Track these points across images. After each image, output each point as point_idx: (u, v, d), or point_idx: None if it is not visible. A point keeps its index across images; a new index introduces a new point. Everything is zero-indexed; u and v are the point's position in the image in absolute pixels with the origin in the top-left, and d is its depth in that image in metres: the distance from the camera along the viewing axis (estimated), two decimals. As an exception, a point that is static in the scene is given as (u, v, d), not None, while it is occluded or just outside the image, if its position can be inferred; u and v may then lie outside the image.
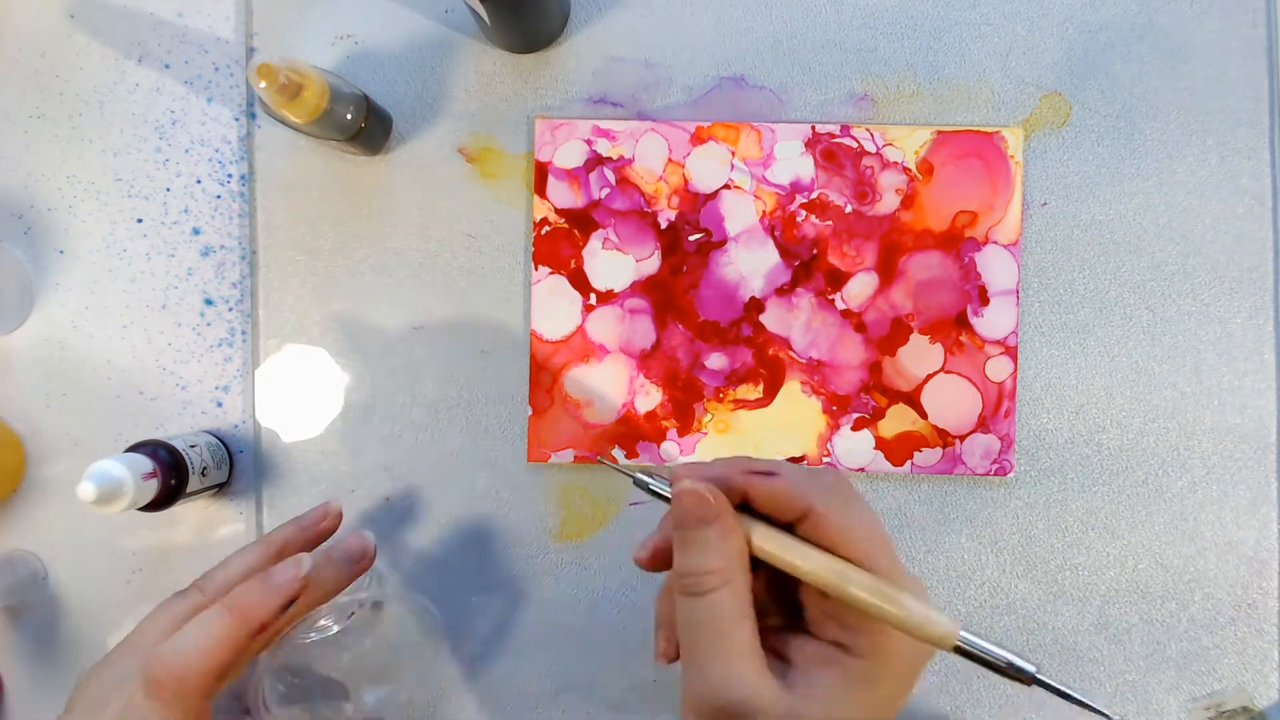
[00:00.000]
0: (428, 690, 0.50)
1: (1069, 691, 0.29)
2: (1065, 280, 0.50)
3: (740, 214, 0.49)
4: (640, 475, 0.35)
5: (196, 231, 0.50)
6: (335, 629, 0.45)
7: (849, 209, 0.49)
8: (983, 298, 0.49)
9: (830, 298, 0.49)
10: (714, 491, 0.32)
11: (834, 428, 0.49)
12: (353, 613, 0.45)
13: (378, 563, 0.49)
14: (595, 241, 0.49)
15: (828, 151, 0.49)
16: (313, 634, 0.44)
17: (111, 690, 0.38)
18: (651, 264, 0.49)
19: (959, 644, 0.30)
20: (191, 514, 0.50)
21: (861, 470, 0.49)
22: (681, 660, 0.33)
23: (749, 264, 0.49)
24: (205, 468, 0.47)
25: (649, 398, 0.49)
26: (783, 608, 0.34)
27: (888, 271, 0.49)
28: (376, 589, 0.47)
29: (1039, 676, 0.29)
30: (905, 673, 0.32)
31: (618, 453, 0.49)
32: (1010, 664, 0.29)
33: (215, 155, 0.50)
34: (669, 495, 0.34)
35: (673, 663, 0.35)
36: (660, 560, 0.35)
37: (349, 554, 0.43)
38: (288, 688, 0.47)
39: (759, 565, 0.33)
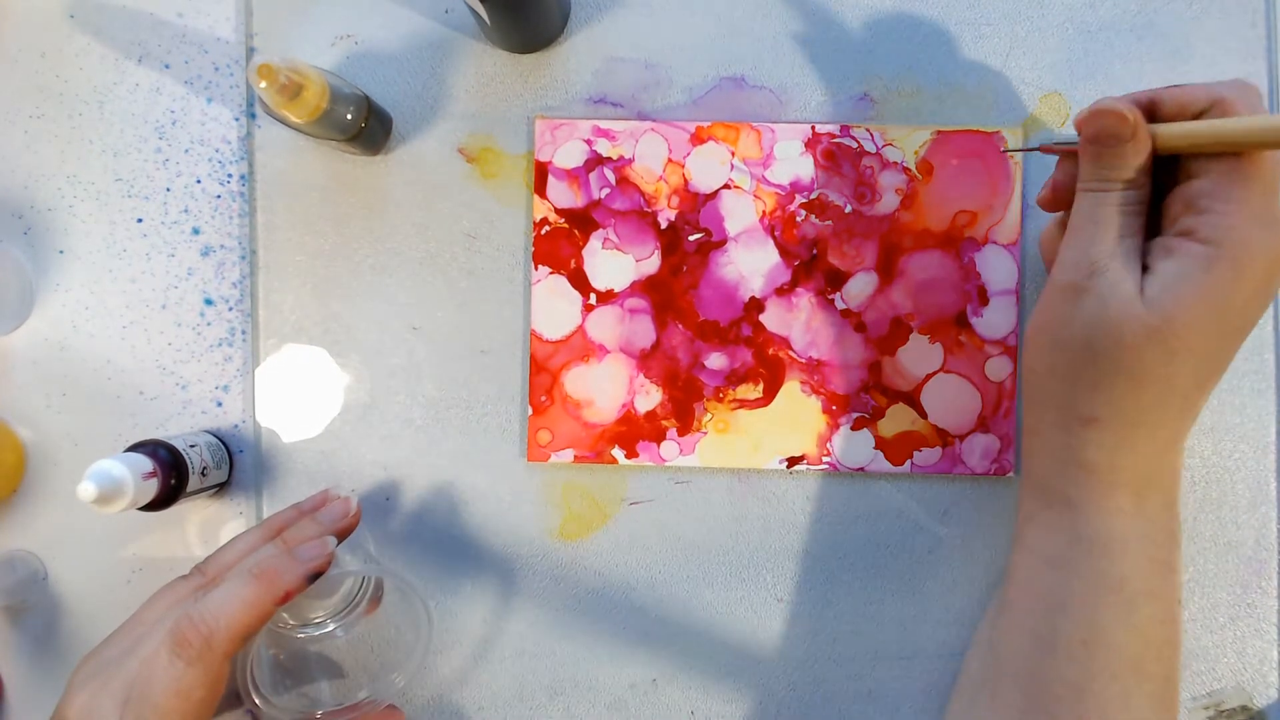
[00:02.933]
0: (423, 679, 0.50)
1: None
2: (1065, 280, 0.50)
3: (740, 214, 0.49)
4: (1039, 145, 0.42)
5: (196, 231, 0.50)
6: (331, 627, 0.45)
7: (849, 209, 0.49)
8: (982, 297, 0.49)
9: (830, 297, 0.49)
10: (1132, 110, 0.36)
11: (834, 427, 0.49)
12: (350, 609, 0.46)
13: (373, 551, 0.49)
14: (595, 241, 0.49)
15: (828, 151, 0.49)
16: (309, 630, 0.45)
17: (118, 662, 0.39)
18: (651, 264, 0.49)
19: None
20: (191, 514, 0.50)
21: (861, 470, 0.49)
22: (1064, 246, 0.38)
23: (749, 264, 0.49)
24: (205, 467, 0.47)
25: (649, 397, 0.49)
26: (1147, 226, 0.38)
27: (887, 271, 0.49)
28: (371, 573, 0.47)
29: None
30: (1246, 262, 0.34)
31: (618, 452, 0.49)
32: None
33: (215, 155, 0.50)
34: (1073, 146, 0.39)
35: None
36: (1061, 199, 0.41)
37: (334, 516, 0.44)
38: (282, 674, 0.47)
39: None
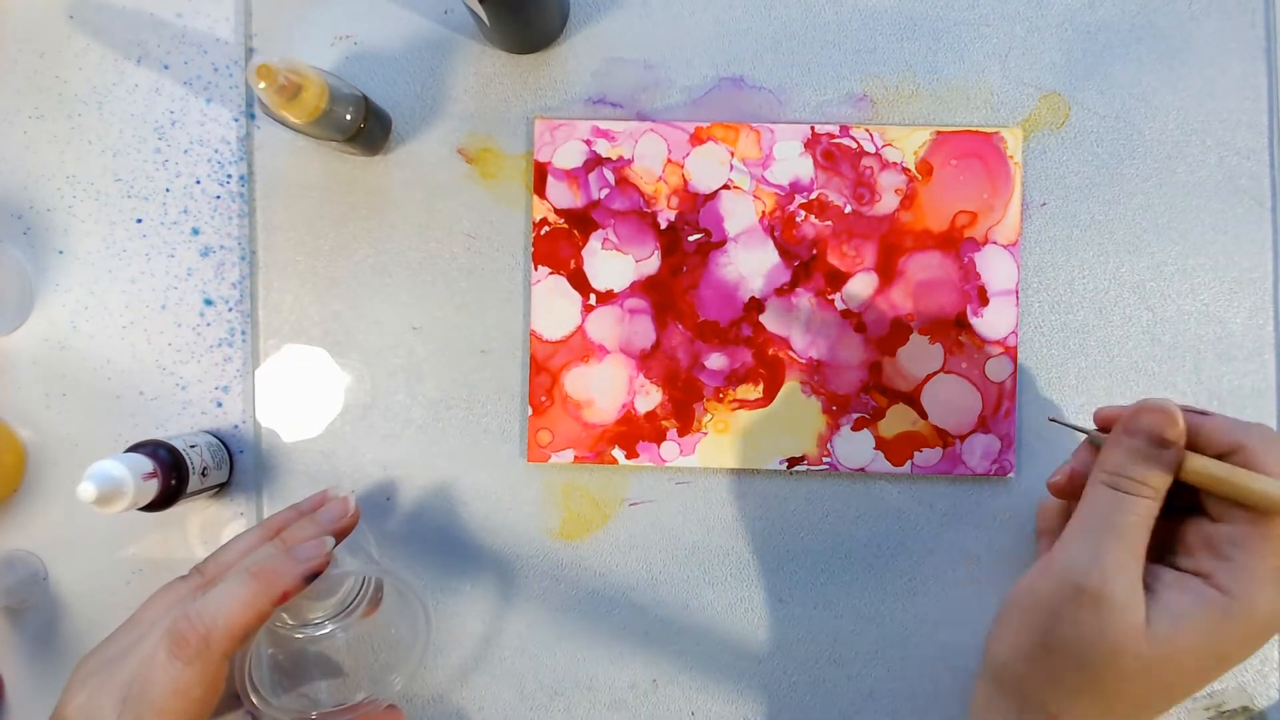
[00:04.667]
0: (423, 679, 0.50)
1: None
2: (1065, 280, 0.50)
3: (740, 214, 0.49)
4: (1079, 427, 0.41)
5: (196, 232, 0.50)
6: (330, 628, 0.45)
7: (848, 209, 0.49)
8: (982, 298, 0.49)
9: (830, 298, 0.49)
10: (1181, 419, 0.36)
11: (834, 428, 0.49)
12: (348, 608, 0.46)
13: (373, 552, 0.49)
14: (595, 242, 0.49)
15: (827, 152, 0.49)
16: (309, 631, 0.45)
17: (117, 661, 0.39)
18: (651, 264, 0.49)
19: None
20: (192, 514, 0.50)
21: (861, 470, 0.49)
22: (1070, 536, 0.36)
23: (749, 264, 0.49)
24: (205, 468, 0.47)
25: (649, 398, 0.49)
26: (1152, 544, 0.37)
27: (887, 271, 0.49)
28: (371, 573, 0.47)
29: None
30: (1259, 618, 0.34)
31: (618, 453, 0.49)
32: None
33: (215, 156, 0.50)
34: (1095, 437, 0.40)
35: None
36: (1075, 487, 0.40)
37: (332, 516, 0.44)
38: (281, 675, 0.47)
39: None
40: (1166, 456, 0.36)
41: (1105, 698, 0.35)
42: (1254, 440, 0.35)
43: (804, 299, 0.49)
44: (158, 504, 0.44)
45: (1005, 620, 0.38)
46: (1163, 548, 0.37)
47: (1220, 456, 0.36)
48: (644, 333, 0.49)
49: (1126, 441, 0.37)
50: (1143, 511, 0.35)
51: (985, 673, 0.38)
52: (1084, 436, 0.41)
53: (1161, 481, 0.36)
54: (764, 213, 0.49)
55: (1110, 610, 0.34)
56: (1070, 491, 0.41)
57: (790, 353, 0.49)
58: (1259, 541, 0.34)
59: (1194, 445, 0.36)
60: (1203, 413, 0.37)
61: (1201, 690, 0.36)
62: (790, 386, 0.49)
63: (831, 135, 0.49)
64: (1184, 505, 0.37)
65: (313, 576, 0.40)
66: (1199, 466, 0.36)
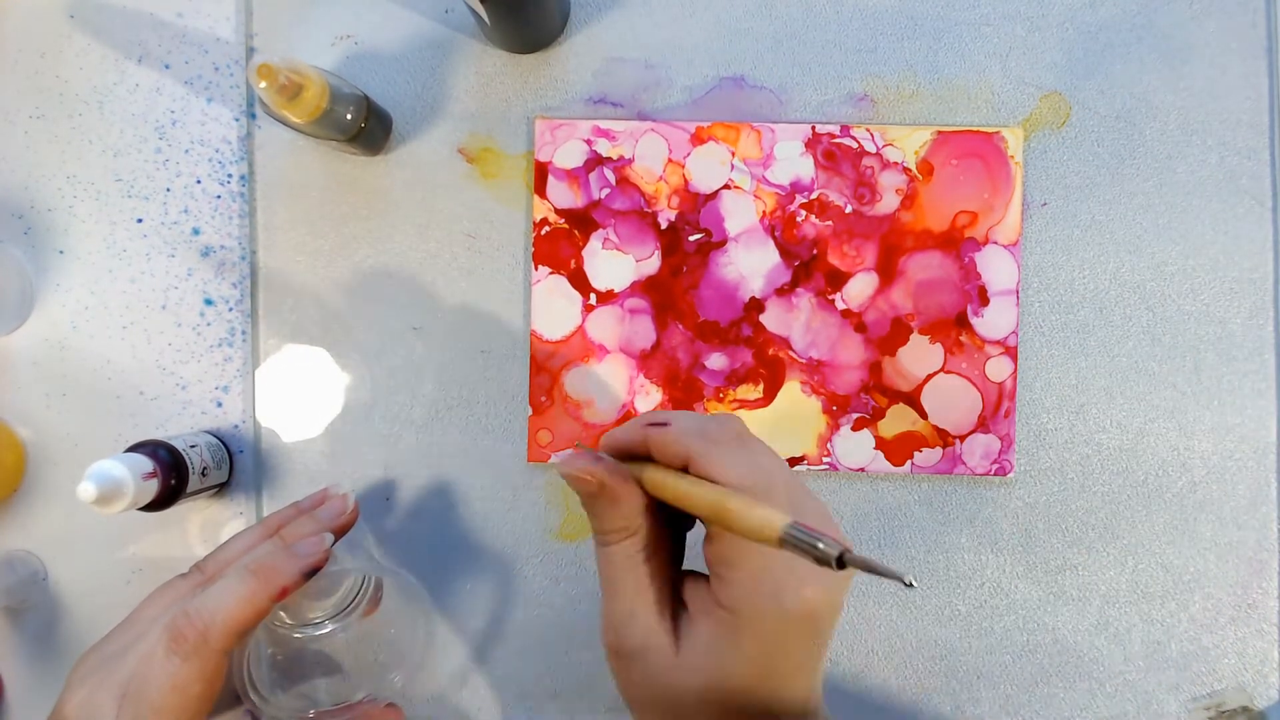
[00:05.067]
0: (423, 679, 0.50)
1: (873, 563, 0.27)
2: (1065, 280, 0.50)
3: (740, 214, 0.49)
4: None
5: (196, 232, 0.50)
6: (330, 627, 0.45)
7: (849, 209, 0.49)
8: (983, 298, 0.49)
9: (830, 298, 0.49)
10: (592, 470, 0.33)
11: (834, 428, 0.49)
12: (347, 608, 0.45)
13: (374, 552, 0.49)
14: (595, 241, 0.49)
15: (828, 152, 0.49)
16: (309, 630, 0.44)
17: (116, 659, 0.39)
18: (651, 264, 0.49)
19: (782, 535, 0.28)
20: (191, 514, 0.50)
21: (862, 470, 0.49)
22: (602, 602, 0.34)
23: (749, 264, 0.49)
24: (205, 468, 0.47)
25: (649, 398, 0.49)
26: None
27: (888, 271, 0.49)
28: (371, 571, 0.47)
29: (845, 557, 0.27)
30: (764, 627, 0.32)
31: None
32: (822, 552, 0.27)
33: (215, 155, 0.50)
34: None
35: None
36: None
37: (332, 513, 0.44)
38: (280, 674, 0.47)
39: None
40: (605, 501, 0.33)
41: None
42: (695, 448, 0.32)
43: (804, 299, 0.49)
44: (158, 504, 0.44)
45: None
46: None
47: (684, 468, 0.33)
48: (644, 333, 0.49)
49: (584, 504, 0.35)
50: (626, 553, 0.34)
51: None
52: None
53: (624, 521, 0.33)
54: (764, 212, 0.49)
55: (641, 658, 0.33)
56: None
57: (790, 353, 0.49)
58: (733, 550, 0.32)
59: (663, 461, 0.33)
60: (662, 424, 0.34)
61: (767, 696, 0.33)
62: (790, 386, 0.49)
63: (832, 135, 0.49)
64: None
65: (312, 572, 0.40)
66: (655, 481, 0.33)
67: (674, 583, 0.35)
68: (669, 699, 0.33)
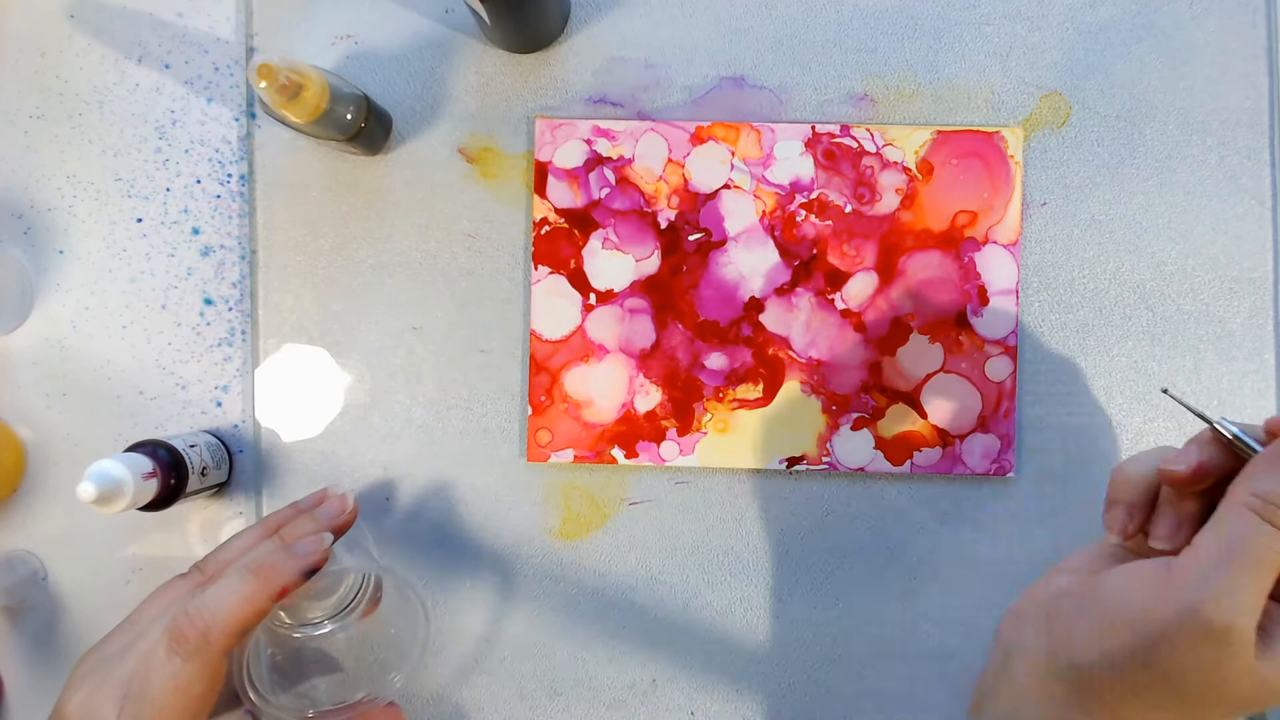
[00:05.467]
0: (423, 679, 0.50)
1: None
2: (1065, 280, 0.50)
3: (740, 214, 0.49)
4: (1219, 421, 0.35)
5: (196, 231, 0.50)
6: (330, 627, 0.45)
7: (849, 209, 0.49)
8: (982, 297, 0.49)
9: (830, 297, 0.49)
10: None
11: (834, 427, 0.49)
12: (347, 608, 0.45)
13: (373, 552, 0.49)
14: (595, 241, 0.49)
15: (828, 151, 0.49)
16: (308, 630, 0.44)
17: (117, 659, 0.39)
18: (651, 264, 0.49)
19: None
20: (191, 514, 0.50)
21: (861, 470, 0.49)
22: (1191, 557, 0.32)
23: (749, 264, 0.49)
24: (205, 467, 0.47)
25: (649, 397, 0.49)
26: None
27: (887, 271, 0.49)
28: (370, 570, 0.47)
29: None
30: None
31: (617, 452, 0.49)
32: None
33: (215, 155, 0.50)
34: (1248, 449, 0.34)
35: (1128, 539, 0.36)
36: (1194, 482, 0.35)
37: (331, 513, 0.44)
38: (280, 674, 0.47)
39: None
40: None
41: (1188, 716, 0.33)
42: None
43: (804, 298, 0.49)
44: (157, 504, 0.44)
45: (1098, 622, 0.34)
46: None
47: None
48: (644, 332, 0.49)
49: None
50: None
51: (1051, 667, 0.35)
52: (1210, 426, 0.35)
53: None
54: (764, 212, 0.49)
55: (1231, 647, 0.31)
56: (1188, 483, 0.35)
57: (790, 352, 0.49)
58: None
59: None
60: None
61: None
62: (790, 386, 0.49)
63: (832, 135, 0.49)
64: None
65: (311, 572, 0.40)
66: None
67: None
68: (1215, 688, 0.32)
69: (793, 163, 0.49)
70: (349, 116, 0.45)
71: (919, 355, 0.49)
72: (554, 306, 0.49)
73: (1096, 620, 0.34)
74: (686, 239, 0.49)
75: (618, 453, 0.49)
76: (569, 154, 0.49)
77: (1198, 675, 0.32)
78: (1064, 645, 0.35)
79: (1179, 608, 0.32)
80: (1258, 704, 0.32)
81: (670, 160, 0.49)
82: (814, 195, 0.49)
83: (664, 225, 0.49)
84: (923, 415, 0.49)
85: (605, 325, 0.49)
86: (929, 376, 0.49)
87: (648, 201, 0.49)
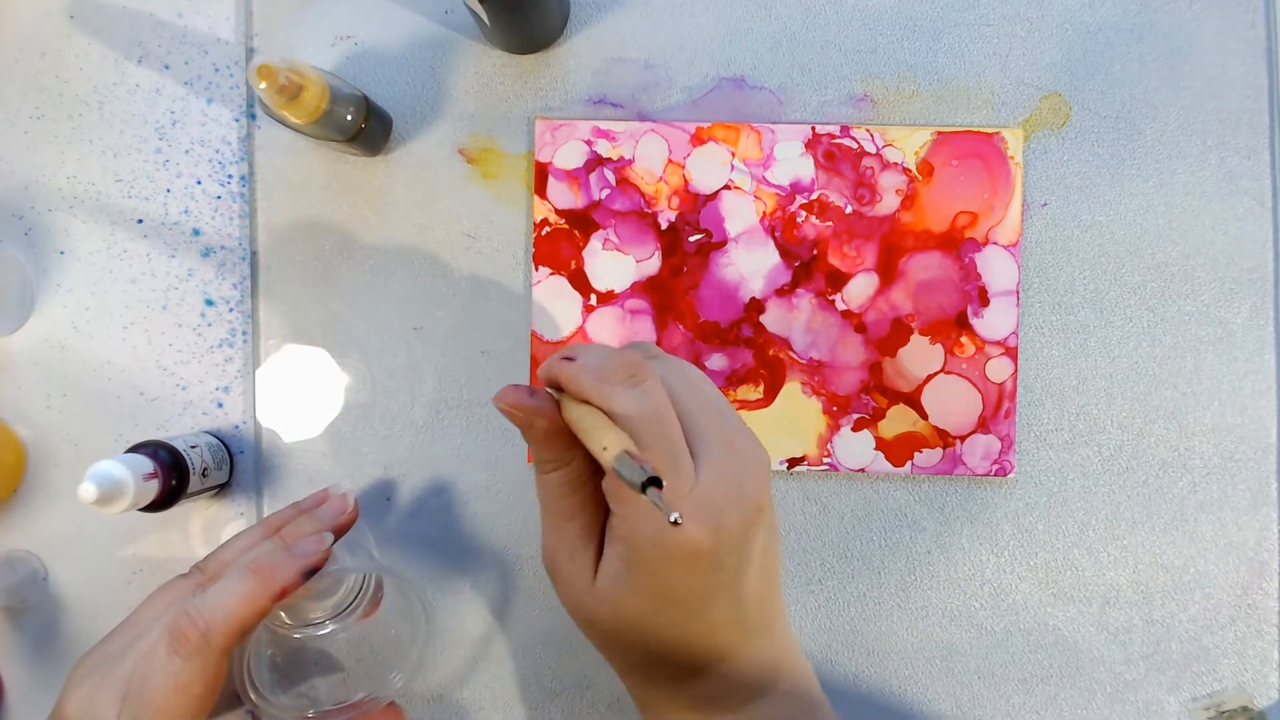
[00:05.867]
0: (423, 679, 0.50)
1: (654, 500, 0.30)
2: (1065, 281, 0.50)
3: (740, 215, 0.49)
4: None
5: (197, 232, 0.50)
6: (330, 627, 0.45)
7: (849, 209, 0.49)
8: (983, 298, 0.49)
9: (830, 298, 0.49)
10: (523, 404, 0.35)
11: (834, 428, 0.49)
12: (348, 608, 0.46)
13: (374, 552, 0.49)
14: (595, 242, 0.49)
15: (828, 152, 0.49)
16: (309, 630, 0.45)
17: (117, 658, 0.39)
18: (652, 265, 0.49)
19: (613, 465, 0.31)
20: (192, 515, 0.50)
21: (862, 471, 0.49)
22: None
23: (749, 264, 0.49)
24: (206, 468, 0.47)
25: (649, 398, 0.49)
26: None
27: (888, 272, 0.49)
28: (371, 569, 0.47)
29: (650, 491, 0.30)
30: (653, 563, 0.33)
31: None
32: (631, 482, 0.30)
33: (215, 156, 0.50)
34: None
35: None
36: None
37: (331, 513, 0.45)
38: (281, 675, 0.47)
39: None
40: (536, 432, 0.35)
41: (609, 654, 0.37)
42: (590, 384, 0.33)
43: (804, 299, 0.49)
44: (158, 504, 0.44)
45: None
46: None
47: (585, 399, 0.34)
48: (644, 333, 0.49)
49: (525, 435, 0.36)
50: (556, 482, 0.36)
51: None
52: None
53: (554, 452, 0.35)
54: (765, 213, 0.49)
55: (564, 580, 0.36)
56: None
57: (790, 353, 0.49)
58: (614, 483, 0.33)
59: (569, 393, 0.35)
60: (570, 358, 0.35)
61: (671, 630, 0.35)
62: (790, 387, 0.49)
63: (832, 135, 0.49)
64: None
65: (312, 572, 0.40)
66: (567, 413, 0.35)
67: (606, 516, 0.36)
68: (591, 623, 0.36)
69: (793, 163, 0.49)
70: (349, 117, 0.45)
71: (919, 356, 0.49)
72: (555, 307, 0.49)
73: None
74: (687, 240, 0.49)
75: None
76: (569, 155, 0.49)
77: (574, 614, 0.36)
78: None
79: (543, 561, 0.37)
80: (624, 625, 0.35)
81: (670, 161, 0.49)
82: (814, 196, 0.49)
83: (664, 226, 0.49)
84: (923, 416, 0.49)
85: (606, 326, 0.49)
86: (929, 377, 0.49)
87: (648, 202, 0.49)
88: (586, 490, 0.36)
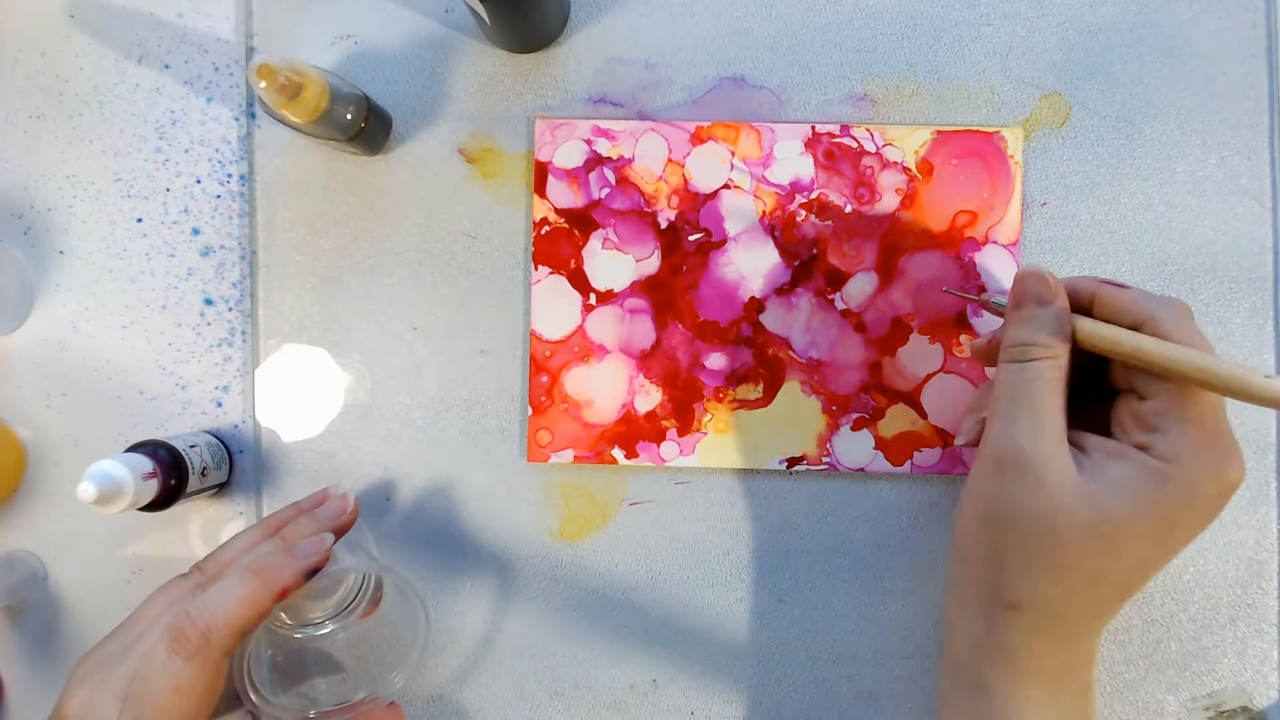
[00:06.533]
0: (423, 679, 0.50)
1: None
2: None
3: (740, 214, 0.49)
4: (978, 297, 0.43)
5: (196, 231, 0.50)
6: (330, 627, 0.45)
7: (849, 209, 0.49)
8: (983, 298, 0.49)
9: (830, 298, 0.49)
10: (1054, 278, 0.38)
11: (834, 428, 0.49)
12: (348, 608, 0.46)
13: (374, 552, 0.49)
14: (595, 241, 0.49)
15: (828, 151, 0.49)
16: (309, 630, 0.45)
17: (117, 659, 0.39)
18: (651, 264, 0.49)
19: (1261, 389, 0.33)
20: (192, 514, 0.50)
21: (861, 470, 0.49)
22: (989, 419, 0.37)
23: (749, 264, 0.49)
24: (205, 468, 0.47)
25: (649, 398, 0.49)
26: (1088, 413, 0.38)
27: (888, 271, 0.49)
28: (371, 569, 0.47)
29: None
30: (1199, 487, 0.34)
31: (617, 452, 0.49)
32: None
33: (215, 155, 0.50)
34: (1002, 308, 0.40)
35: (971, 445, 0.41)
36: (994, 352, 0.41)
37: (331, 513, 0.45)
38: (281, 675, 0.47)
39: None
40: (1049, 315, 0.37)
41: (1056, 568, 0.35)
42: (1165, 313, 0.35)
43: (804, 299, 0.49)
44: (158, 504, 0.44)
45: (959, 518, 0.39)
46: (1102, 428, 0.38)
47: (1135, 328, 0.36)
48: (644, 333, 0.49)
49: (1013, 314, 0.38)
50: (1045, 373, 0.36)
51: (950, 576, 0.39)
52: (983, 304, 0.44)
53: (1053, 340, 0.37)
54: (764, 212, 0.49)
55: (1035, 473, 0.34)
56: (990, 357, 0.42)
57: (790, 352, 0.49)
58: (1186, 410, 0.34)
59: (1110, 317, 0.37)
60: (1121, 285, 0.38)
61: (1150, 572, 0.35)
62: (790, 386, 0.49)
63: (832, 135, 0.49)
64: (1120, 387, 0.38)
65: (312, 572, 0.40)
66: (1091, 329, 0.37)
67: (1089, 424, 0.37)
68: (1047, 521, 0.34)
69: (793, 163, 0.49)
70: (349, 116, 0.45)
71: (919, 355, 0.49)
72: (554, 307, 0.49)
73: (959, 518, 0.39)
74: (687, 239, 0.49)
75: (618, 453, 0.49)
76: (569, 154, 0.49)
77: (1028, 513, 0.35)
78: (953, 550, 0.39)
79: (983, 462, 0.37)
80: (1106, 538, 0.34)
81: (670, 160, 0.49)
82: (814, 195, 0.49)
83: (664, 225, 0.49)
84: (923, 415, 0.49)
85: (605, 325, 0.49)
86: (929, 377, 0.49)
87: (648, 201, 0.49)
88: (1064, 395, 0.36)
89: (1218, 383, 0.33)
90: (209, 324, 0.50)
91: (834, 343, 0.49)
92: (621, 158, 0.49)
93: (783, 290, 0.49)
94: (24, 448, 0.50)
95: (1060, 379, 0.36)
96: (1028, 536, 0.35)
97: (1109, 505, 0.34)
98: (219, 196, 0.50)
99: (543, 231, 0.49)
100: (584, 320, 0.50)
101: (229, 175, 0.50)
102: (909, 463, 0.49)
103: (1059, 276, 0.39)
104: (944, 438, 0.49)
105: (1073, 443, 0.36)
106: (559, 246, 0.49)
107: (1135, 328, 0.36)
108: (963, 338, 0.47)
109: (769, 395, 0.49)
